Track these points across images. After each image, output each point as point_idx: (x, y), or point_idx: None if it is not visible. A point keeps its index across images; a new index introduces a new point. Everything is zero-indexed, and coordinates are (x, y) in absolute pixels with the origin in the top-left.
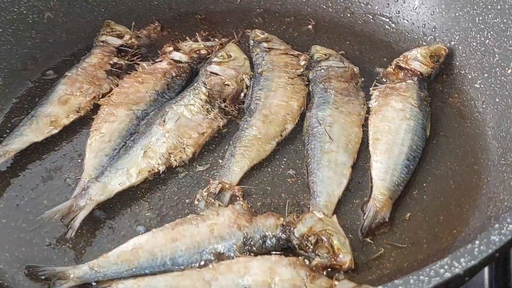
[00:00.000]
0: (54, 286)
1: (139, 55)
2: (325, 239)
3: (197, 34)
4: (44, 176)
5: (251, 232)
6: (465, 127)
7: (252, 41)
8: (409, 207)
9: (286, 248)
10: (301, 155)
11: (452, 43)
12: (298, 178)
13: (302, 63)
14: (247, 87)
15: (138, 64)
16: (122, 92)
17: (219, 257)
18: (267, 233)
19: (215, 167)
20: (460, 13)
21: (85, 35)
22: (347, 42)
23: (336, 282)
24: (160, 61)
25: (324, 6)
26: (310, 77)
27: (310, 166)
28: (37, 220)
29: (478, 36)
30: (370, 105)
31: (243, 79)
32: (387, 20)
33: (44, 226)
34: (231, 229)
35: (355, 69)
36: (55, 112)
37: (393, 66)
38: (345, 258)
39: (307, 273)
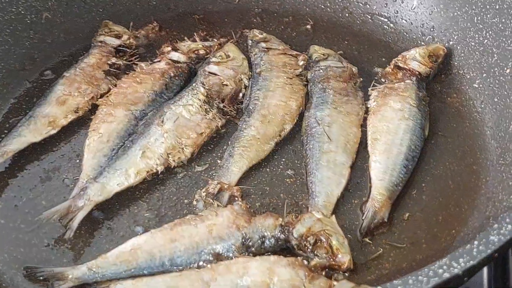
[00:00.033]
0: (53, 287)
1: (137, 55)
2: (324, 240)
3: (195, 34)
4: (42, 177)
5: (250, 233)
6: (463, 127)
7: (250, 41)
8: (408, 207)
9: (285, 249)
10: (299, 155)
11: (451, 43)
12: (297, 178)
13: (301, 63)
14: (245, 87)
15: (136, 64)
16: (120, 93)
17: (218, 257)
18: (266, 234)
19: (213, 168)
20: (458, 12)
21: (83, 35)
22: (346, 42)
23: (335, 283)
24: (159, 61)
25: (322, 6)
26: (308, 77)
27: (309, 166)
28: (35, 220)
29: (477, 36)
30: (368, 105)
31: (241, 79)
32: (386, 20)
33: (43, 227)
34: (230, 230)
35: (353, 69)
36: (53, 113)
37: (392, 66)
38: (344, 258)
39: (306, 273)
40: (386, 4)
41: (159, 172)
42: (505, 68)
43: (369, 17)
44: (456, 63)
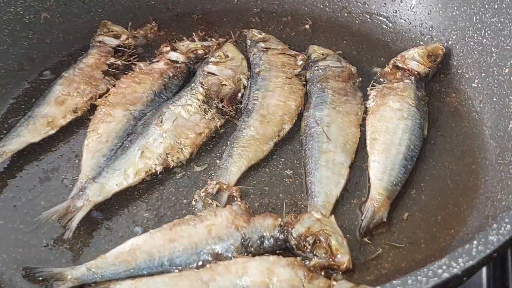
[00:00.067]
0: (52, 287)
1: (136, 55)
2: (323, 240)
3: (194, 34)
4: (41, 177)
5: (249, 233)
6: (462, 126)
7: (249, 41)
8: (407, 207)
9: (284, 249)
10: (299, 155)
11: (450, 42)
12: (296, 178)
13: (300, 63)
14: (244, 87)
15: (135, 64)
16: (119, 93)
17: (217, 257)
18: (265, 234)
19: (212, 168)
20: (457, 12)
21: (82, 36)
22: (344, 42)
23: (334, 283)
24: (157, 61)
25: (321, 6)
26: (307, 77)
27: (308, 166)
28: (34, 221)
29: (476, 35)
30: (367, 105)
31: (240, 79)
32: (384, 19)
33: (42, 227)
34: (229, 230)
35: (352, 69)
36: (52, 113)
37: (391, 66)
38: (343, 259)
39: (305, 273)
40: (385, 4)
41: (158, 172)
42: (504, 68)
43: (368, 16)
44: (455, 63)
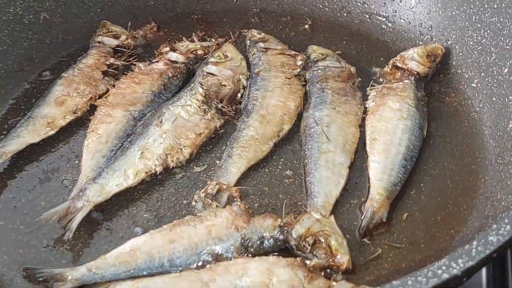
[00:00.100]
0: None
1: (136, 56)
2: (323, 240)
3: (193, 34)
4: (41, 178)
5: (249, 233)
6: (462, 126)
7: (248, 41)
8: (407, 207)
9: (284, 249)
10: (298, 155)
11: (449, 42)
12: (296, 178)
13: (299, 63)
14: (244, 87)
15: (135, 64)
16: (119, 93)
17: (217, 258)
18: (264, 234)
19: (212, 168)
20: (456, 12)
21: (81, 36)
22: (344, 42)
23: (334, 283)
24: (157, 61)
25: (320, 6)
26: (307, 77)
27: (308, 167)
28: (34, 222)
29: (475, 35)
30: (367, 105)
31: (240, 80)
32: (384, 19)
33: (42, 228)
34: (229, 230)
35: (352, 69)
36: (51, 113)
37: (390, 66)
38: (343, 259)
39: (305, 274)
40: (384, 4)
41: (158, 173)
42: (503, 68)
43: (368, 16)
44: (454, 63)
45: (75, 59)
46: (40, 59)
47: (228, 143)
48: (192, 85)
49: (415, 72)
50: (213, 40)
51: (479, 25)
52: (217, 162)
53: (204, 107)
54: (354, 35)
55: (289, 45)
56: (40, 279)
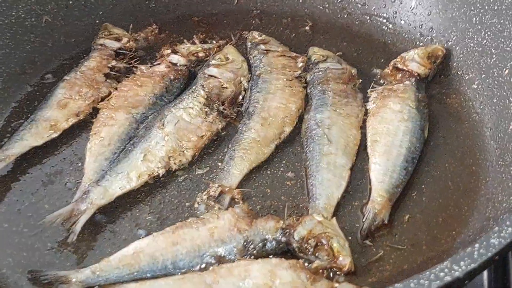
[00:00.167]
0: None
1: (137, 58)
2: (325, 242)
3: (194, 36)
4: (44, 181)
5: (251, 235)
6: (463, 128)
7: (249, 43)
8: (408, 208)
9: (286, 251)
10: (300, 157)
11: (449, 43)
12: (297, 180)
13: (300, 65)
14: (245, 89)
15: (136, 67)
16: (121, 96)
17: (220, 260)
18: (267, 236)
19: (214, 170)
20: (457, 13)
21: (83, 38)
22: (344, 43)
23: (337, 285)
24: (159, 64)
25: (321, 7)
26: (308, 79)
27: (309, 169)
28: (38, 224)
29: (475, 36)
30: (368, 107)
31: (241, 82)
32: (384, 20)
33: (46, 231)
34: (231, 233)
35: (352, 71)
36: (54, 116)
37: (391, 67)
38: (345, 261)
39: (308, 275)
40: (384, 5)
41: (161, 175)
42: (504, 69)
43: (368, 18)
44: (455, 64)
45: (77, 62)
46: (42, 62)
47: (230, 145)
48: (193, 87)
49: (415, 74)
50: (214, 42)
51: (479, 27)
52: (219, 164)
53: (206, 110)
54: (355, 37)
55: (289, 47)
56: (45, 281)
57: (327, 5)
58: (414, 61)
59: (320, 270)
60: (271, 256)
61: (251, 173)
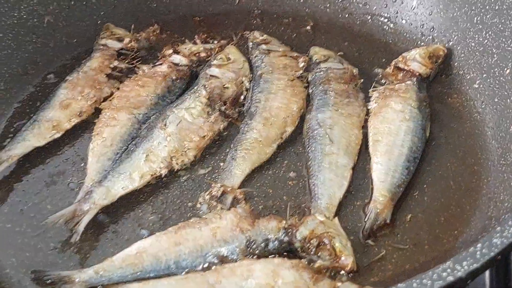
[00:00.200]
0: None
1: (139, 58)
2: (327, 242)
3: (196, 36)
4: (47, 181)
5: (253, 235)
6: (464, 127)
7: (251, 43)
8: (410, 208)
9: (289, 251)
10: (301, 157)
11: (451, 43)
12: (299, 180)
13: (301, 64)
14: (246, 89)
15: (138, 67)
16: (123, 96)
17: (222, 260)
18: (269, 236)
19: (216, 170)
20: (458, 13)
21: (85, 39)
22: (346, 43)
23: (339, 284)
24: (160, 64)
25: (322, 7)
26: (309, 79)
27: (311, 169)
28: (41, 225)
29: (477, 36)
30: (369, 107)
31: (242, 82)
32: (386, 20)
33: (49, 231)
34: (234, 233)
35: (354, 71)
36: (56, 117)
37: (392, 67)
38: (347, 260)
39: (310, 275)
40: (386, 5)
41: (163, 176)
42: (505, 69)
43: (369, 17)
44: (456, 64)
45: (79, 62)
46: (44, 63)
47: (232, 145)
48: (195, 87)
49: (417, 73)
50: (215, 42)
51: (480, 26)
52: (221, 164)
53: (207, 110)
54: (356, 36)
55: (291, 46)
56: (48, 281)
57: (328, 5)
58: (415, 60)
59: (323, 270)
60: (273, 256)
61: (253, 173)
